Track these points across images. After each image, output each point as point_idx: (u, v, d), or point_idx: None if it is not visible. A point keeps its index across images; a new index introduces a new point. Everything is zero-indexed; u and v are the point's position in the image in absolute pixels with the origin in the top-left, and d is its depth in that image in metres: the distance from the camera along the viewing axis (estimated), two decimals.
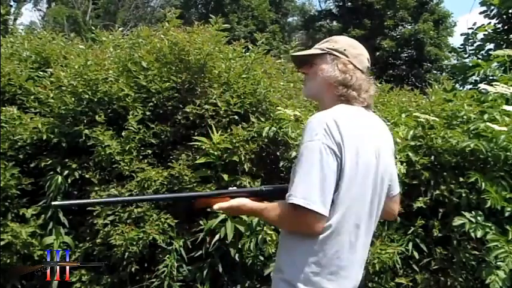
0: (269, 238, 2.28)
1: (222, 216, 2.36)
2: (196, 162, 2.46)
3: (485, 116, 2.54)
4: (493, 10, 5.67)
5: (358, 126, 1.24)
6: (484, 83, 3.21)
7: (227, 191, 1.44)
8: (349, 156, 1.19)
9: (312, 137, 1.19)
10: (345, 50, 1.34)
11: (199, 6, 20.60)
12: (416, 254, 2.44)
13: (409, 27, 17.15)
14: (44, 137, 2.58)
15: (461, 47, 5.67)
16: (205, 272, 2.41)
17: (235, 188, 1.61)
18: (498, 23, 5.77)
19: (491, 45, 5.55)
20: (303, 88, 1.45)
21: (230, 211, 1.42)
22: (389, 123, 2.53)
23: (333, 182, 1.17)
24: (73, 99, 2.62)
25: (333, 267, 1.22)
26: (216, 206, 1.37)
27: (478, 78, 4.32)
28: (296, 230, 1.24)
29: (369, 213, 1.27)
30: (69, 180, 2.56)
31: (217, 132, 2.49)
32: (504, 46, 5.10)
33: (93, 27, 3.54)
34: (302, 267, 1.22)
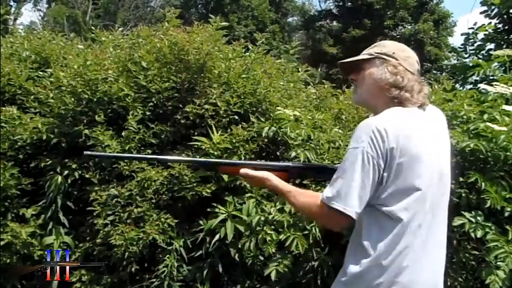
0: (269, 238, 2.28)
1: (222, 216, 2.36)
2: None
3: (485, 116, 2.54)
4: (493, 10, 5.67)
5: (411, 129, 1.24)
6: (484, 83, 3.21)
7: (253, 163, 1.46)
8: (403, 160, 1.20)
9: (358, 143, 1.22)
10: (393, 53, 1.33)
11: (199, 6, 20.60)
12: None
13: (409, 27, 17.17)
14: (44, 137, 2.58)
15: (462, 47, 5.67)
16: (205, 272, 2.42)
17: (263, 160, 1.61)
18: (499, 23, 5.77)
19: (492, 45, 5.55)
20: (353, 95, 1.43)
21: (254, 182, 1.44)
22: None
23: (369, 191, 1.21)
24: (73, 99, 2.62)
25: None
26: (242, 171, 1.41)
27: (478, 78, 4.31)
28: (321, 224, 1.39)
29: (431, 213, 1.30)
30: (69, 180, 2.56)
31: (217, 132, 2.50)
32: (504, 46, 5.10)
33: (93, 27, 3.53)
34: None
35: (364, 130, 1.22)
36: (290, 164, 1.45)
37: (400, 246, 1.23)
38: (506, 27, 5.75)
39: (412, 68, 1.34)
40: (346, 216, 1.20)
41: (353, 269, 1.25)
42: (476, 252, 2.37)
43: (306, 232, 2.28)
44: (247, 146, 2.47)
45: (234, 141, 2.45)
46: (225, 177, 2.43)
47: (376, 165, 1.20)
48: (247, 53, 2.88)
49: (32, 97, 2.79)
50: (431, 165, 1.26)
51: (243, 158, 2.42)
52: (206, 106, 2.57)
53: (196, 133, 2.58)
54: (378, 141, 1.19)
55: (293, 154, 2.42)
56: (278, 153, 2.59)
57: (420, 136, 1.25)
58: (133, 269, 2.41)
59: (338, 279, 1.32)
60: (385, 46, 1.37)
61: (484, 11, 5.71)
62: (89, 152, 1.54)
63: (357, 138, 1.22)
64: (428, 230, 1.30)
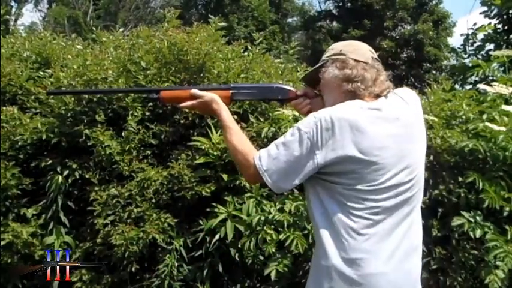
0: (269, 238, 2.29)
1: (222, 216, 2.36)
2: (196, 162, 2.47)
3: (484, 116, 2.55)
4: (493, 10, 5.68)
5: (361, 121, 1.23)
6: (484, 84, 3.22)
7: (194, 86, 1.45)
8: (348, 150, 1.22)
9: (303, 125, 1.26)
10: (340, 50, 1.35)
11: (200, 6, 20.61)
12: None
13: (409, 27, 17.17)
14: (44, 137, 2.58)
15: (461, 47, 5.68)
16: (205, 272, 2.42)
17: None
18: (498, 23, 5.77)
19: (491, 46, 5.56)
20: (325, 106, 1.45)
21: (200, 106, 1.44)
22: None
23: (297, 173, 1.26)
24: (72, 99, 2.63)
25: None
26: (192, 91, 1.43)
27: (477, 79, 4.32)
28: (240, 170, 1.44)
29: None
30: (70, 180, 2.56)
31: (216, 132, 2.50)
32: (504, 47, 5.10)
33: (93, 28, 3.54)
34: None
35: (312, 119, 1.26)
36: (232, 84, 1.45)
37: None
38: (506, 28, 5.75)
39: (363, 58, 1.33)
40: (265, 180, 1.29)
41: None
42: (476, 252, 2.38)
43: (306, 232, 2.29)
44: None
45: None
46: (225, 177, 2.44)
47: (312, 153, 1.24)
48: (246, 53, 2.89)
49: (33, 97, 2.80)
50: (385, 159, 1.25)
51: None
52: None
53: (195, 133, 2.58)
54: (321, 130, 1.22)
55: None
56: None
57: (377, 129, 1.24)
58: (133, 269, 2.41)
59: None
60: (332, 48, 1.39)
61: (484, 11, 5.71)
62: (51, 90, 1.55)
63: (303, 122, 1.27)
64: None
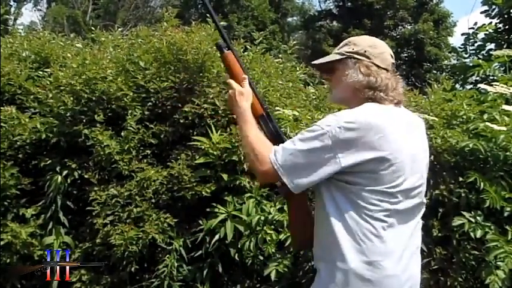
0: (269, 238, 2.28)
1: (221, 216, 2.36)
2: (196, 162, 2.46)
3: (485, 116, 2.54)
4: (494, 10, 5.66)
5: (386, 124, 1.23)
6: (484, 83, 3.21)
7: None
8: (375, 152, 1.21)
9: (323, 124, 1.24)
10: (365, 51, 1.33)
11: (199, 6, 20.59)
12: None
13: (409, 27, 17.18)
14: (43, 137, 2.58)
15: (462, 47, 5.66)
16: (205, 272, 2.41)
17: None
18: (499, 23, 5.76)
19: (492, 45, 5.54)
20: (329, 95, 1.46)
21: (233, 93, 1.41)
22: None
23: (315, 170, 1.23)
24: (71, 98, 2.62)
25: None
26: (229, 80, 1.44)
27: (478, 78, 4.31)
28: (252, 170, 1.39)
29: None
30: (69, 180, 2.56)
31: (216, 132, 2.49)
32: (505, 46, 5.09)
33: (93, 28, 3.54)
34: None
35: (334, 119, 1.24)
36: None
37: None
38: (507, 27, 5.74)
39: (385, 64, 1.33)
40: (280, 180, 1.26)
41: None
42: (476, 252, 2.37)
43: None
44: None
45: (233, 140, 2.44)
46: (225, 176, 2.43)
47: (334, 154, 1.21)
48: (246, 53, 2.88)
49: (32, 97, 2.79)
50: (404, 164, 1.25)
51: (242, 158, 2.42)
52: (205, 106, 2.57)
53: (195, 133, 2.58)
54: (344, 130, 1.21)
55: None
56: None
57: (395, 132, 1.24)
58: (133, 269, 2.41)
59: None
60: (356, 44, 1.36)
61: (485, 11, 5.70)
62: None
63: (324, 121, 1.25)
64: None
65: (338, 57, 1.36)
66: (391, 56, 1.37)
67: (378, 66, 1.31)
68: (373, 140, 1.21)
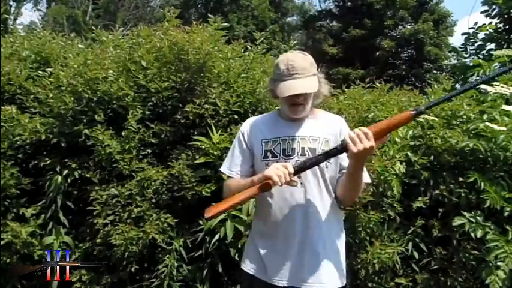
0: None
1: (221, 216, 2.35)
2: (196, 161, 2.47)
3: (485, 116, 2.55)
4: (494, 9, 5.66)
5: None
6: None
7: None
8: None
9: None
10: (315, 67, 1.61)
11: (199, 6, 20.59)
12: (416, 254, 2.44)
13: (409, 27, 17.13)
14: (43, 137, 2.57)
15: (462, 46, 5.66)
16: (205, 272, 2.41)
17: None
18: (499, 23, 5.76)
19: (492, 45, 5.54)
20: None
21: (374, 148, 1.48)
22: None
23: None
24: (72, 98, 2.62)
25: None
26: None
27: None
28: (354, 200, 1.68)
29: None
30: (69, 180, 2.55)
31: (216, 132, 2.49)
32: (505, 46, 5.09)
33: (93, 27, 3.53)
34: None
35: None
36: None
37: None
38: (507, 27, 5.74)
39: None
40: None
41: None
42: (476, 252, 2.37)
43: None
44: None
45: (233, 140, 2.44)
46: (225, 177, 2.42)
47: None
48: (247, 53, 2.88)
49: (32, 97, 2.79)
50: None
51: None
52: (206, 106, 2.57)
53: (196, 133, 2.58)
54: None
55: None
56: None
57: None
58: (133, 269, 2.41)
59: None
60: (311, 62, 1.59)
61: (485, 11, 5.70)
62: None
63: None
64: None
65: (316, 74, 1.62)
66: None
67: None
68: None
